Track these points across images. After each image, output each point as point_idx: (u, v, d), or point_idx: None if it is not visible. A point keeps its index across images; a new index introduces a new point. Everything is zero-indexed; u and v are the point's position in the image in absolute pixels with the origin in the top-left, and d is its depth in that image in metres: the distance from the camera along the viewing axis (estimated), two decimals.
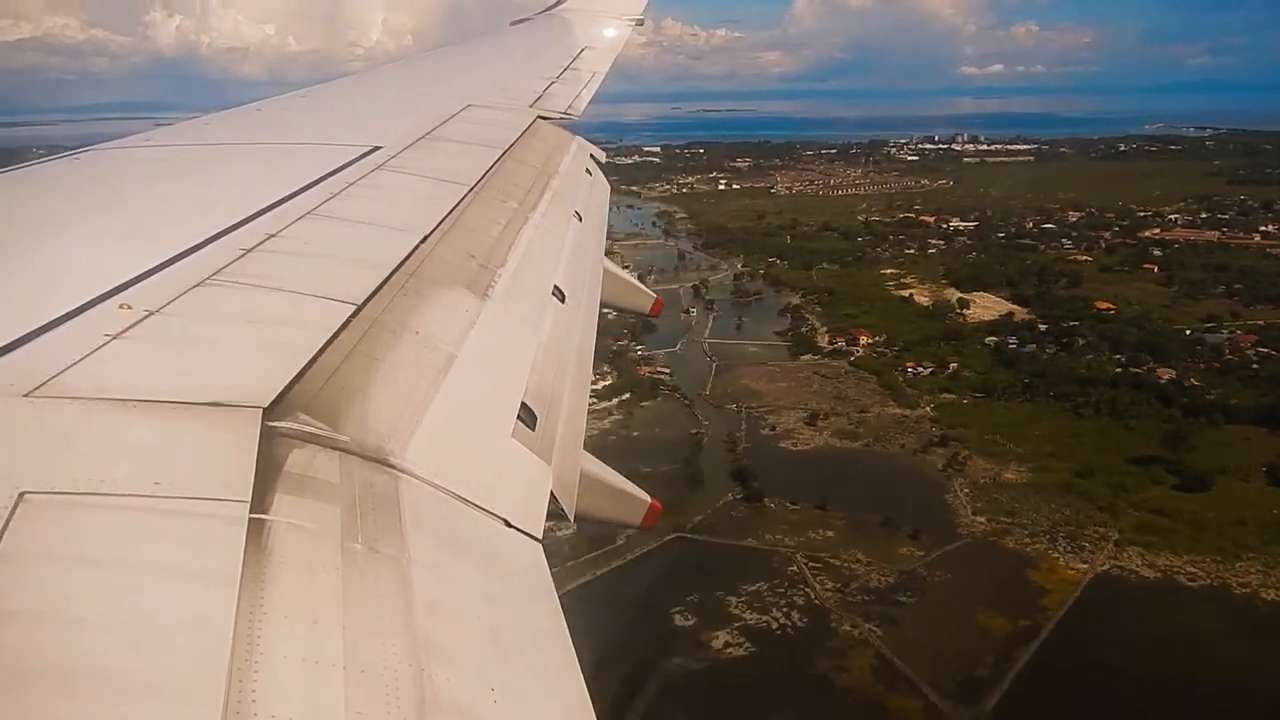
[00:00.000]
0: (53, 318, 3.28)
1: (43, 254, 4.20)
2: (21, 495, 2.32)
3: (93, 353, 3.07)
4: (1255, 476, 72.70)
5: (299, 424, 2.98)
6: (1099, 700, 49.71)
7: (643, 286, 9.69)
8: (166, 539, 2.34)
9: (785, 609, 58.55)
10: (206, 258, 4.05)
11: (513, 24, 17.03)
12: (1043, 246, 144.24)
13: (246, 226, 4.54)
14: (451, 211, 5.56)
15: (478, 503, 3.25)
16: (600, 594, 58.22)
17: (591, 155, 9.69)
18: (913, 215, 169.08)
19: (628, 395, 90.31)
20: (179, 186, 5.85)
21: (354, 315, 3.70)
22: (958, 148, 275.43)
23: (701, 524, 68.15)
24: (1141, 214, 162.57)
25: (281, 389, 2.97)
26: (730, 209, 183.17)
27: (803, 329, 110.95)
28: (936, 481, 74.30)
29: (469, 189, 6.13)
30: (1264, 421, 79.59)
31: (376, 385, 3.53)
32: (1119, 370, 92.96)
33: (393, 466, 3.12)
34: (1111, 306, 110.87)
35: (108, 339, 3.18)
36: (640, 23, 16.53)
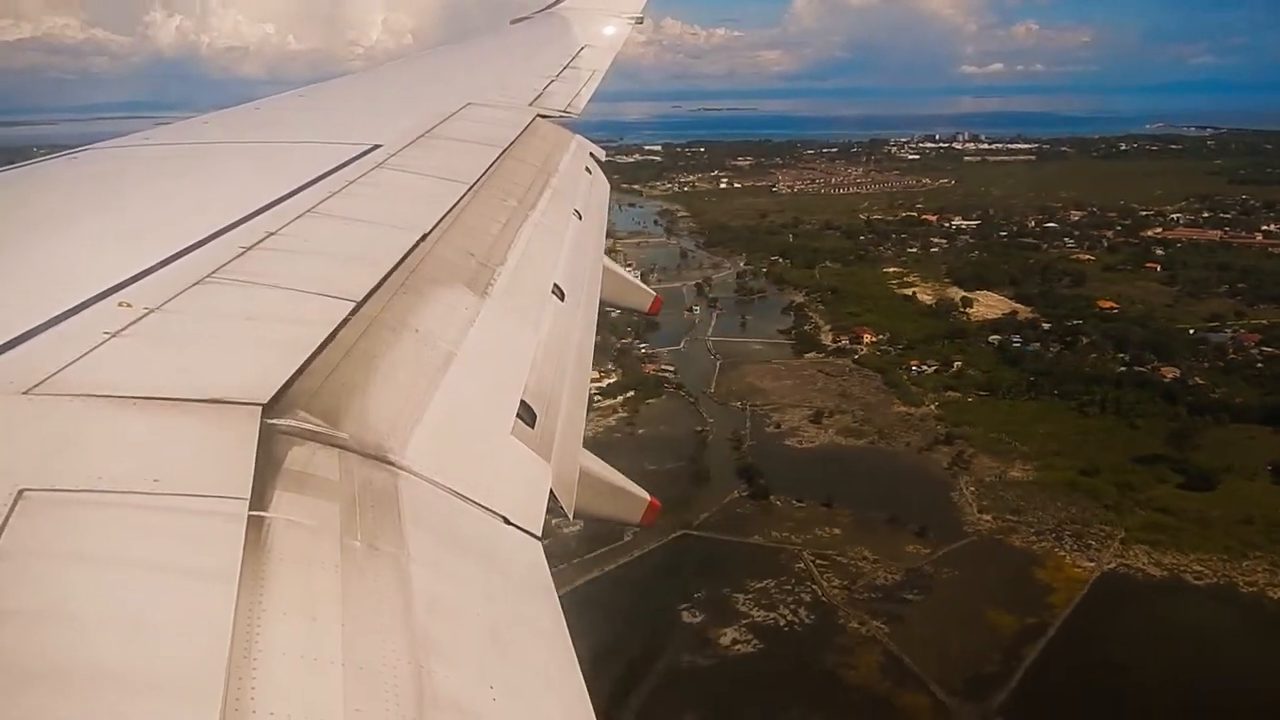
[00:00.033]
0: (52, 315, 3.27)
1: (42, 252, 4.20)
2: (20, 493, 2.31)
3: (92, 350, 3.07)
4: (1261, 475, 72.79)
5: (298, 421, 2.97)
6: (1106, 698, 49.79)
7: (642, 285, 9.71)
8: (165, 536, 2.34)
9: (793, 606, 58.65)
10: (206, 256, 4.05)
11: (512, 22, 17.02)
12: (1045, 245, 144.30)
13: (246, 224, 4.54)
14: (451, 210, 5.57)
15: (477, 500, 3.24)
16: (608, 590, 58.35)
17: (591, 154, 9.66)
18: (915, 214, 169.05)
19: (632, 393, 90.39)
20: (178, 185, 5.87)
21: (353, 312, 3.71)
22: (958, 146, 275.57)
23: (708, 521, 68.30)
24: (1143, 213, 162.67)
25: (280, 386, 2.97)
26: (732, 207, 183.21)
27: (806, 327, 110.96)
28: (942, 479, 74.36)
29: (469, 187, 6.13)
30: (1269, 421, 79.65)
31: (376, 383, 3.53)
32: (1123, 369, 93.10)
33: (392, 464, 3.12)
34: (1115, 305, 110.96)
35: (107, 337, 3.18)
36: (640, 21, 16.52)
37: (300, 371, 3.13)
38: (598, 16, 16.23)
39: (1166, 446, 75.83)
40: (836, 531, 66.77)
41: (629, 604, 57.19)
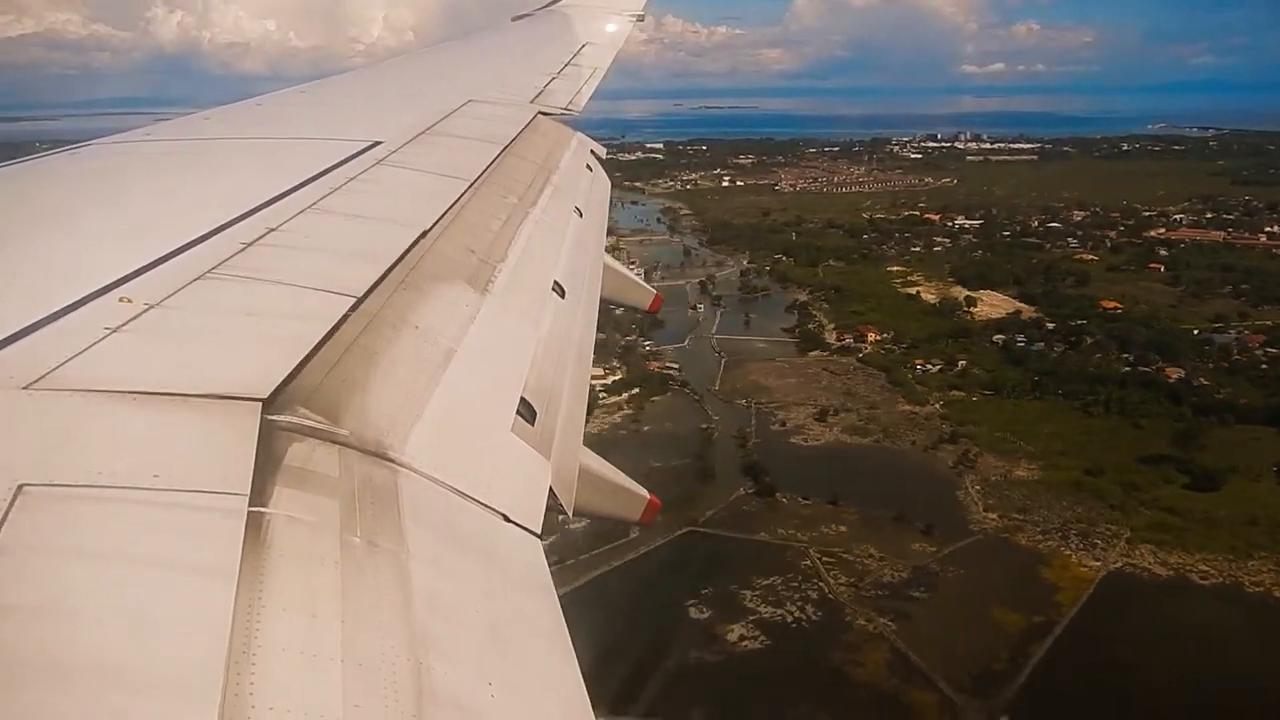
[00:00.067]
0: (52, 311, 3.27)
1: (43, 247, 4.20)
2: (20, 487, 2.31)
3: (92, 346, 3.07)
4: (1266, 476, 72.89)
5: (298, 417, 2.97)
6: (1113, 697, 49.86)
7: (643, 282, 9.72)
8: (165, 532, 2.34)
9: (799, 603, 58.76)
10: (206, 251, 4.05)
11: (513, 20, 16.97)
12: (1048, 245, 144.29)
13: (246, 220, 4.53)
14: (452, 206, 5.56)
15: (477, 497, 3.24)
16: (616, 587, 58.49)
17: (592, 151, 9.64)
18: (917, 213, 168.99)
19: (637, 390, 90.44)
20: (179, 181, 5.86)
21: (354, 308, 3.71)
22: (960, 146, 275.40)
23: (714, 518, 68.39)
24: (1146, 214, 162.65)
25: (280, 382, 2.97)
26: (734, 205, 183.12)
27: (810, 325, 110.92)
28: (947, 478, 74.44)
29: (469, 184, 6.13)
30: (1273, 421, 79.73)
31: (376, 379, 3.54)
32: (1127, 369, 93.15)
33: (392, 460, 3.12)
34: (1119, 306, 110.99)
35: (107, 332, 3.17)
36: (641, 19, 16.53)
37: (300, 367, 3.13)
38: (599, 14, 16.23)
39: (1172, 447, 75.91)
40: (843, 529, 66.87)
41: (636, 600, 57.35)
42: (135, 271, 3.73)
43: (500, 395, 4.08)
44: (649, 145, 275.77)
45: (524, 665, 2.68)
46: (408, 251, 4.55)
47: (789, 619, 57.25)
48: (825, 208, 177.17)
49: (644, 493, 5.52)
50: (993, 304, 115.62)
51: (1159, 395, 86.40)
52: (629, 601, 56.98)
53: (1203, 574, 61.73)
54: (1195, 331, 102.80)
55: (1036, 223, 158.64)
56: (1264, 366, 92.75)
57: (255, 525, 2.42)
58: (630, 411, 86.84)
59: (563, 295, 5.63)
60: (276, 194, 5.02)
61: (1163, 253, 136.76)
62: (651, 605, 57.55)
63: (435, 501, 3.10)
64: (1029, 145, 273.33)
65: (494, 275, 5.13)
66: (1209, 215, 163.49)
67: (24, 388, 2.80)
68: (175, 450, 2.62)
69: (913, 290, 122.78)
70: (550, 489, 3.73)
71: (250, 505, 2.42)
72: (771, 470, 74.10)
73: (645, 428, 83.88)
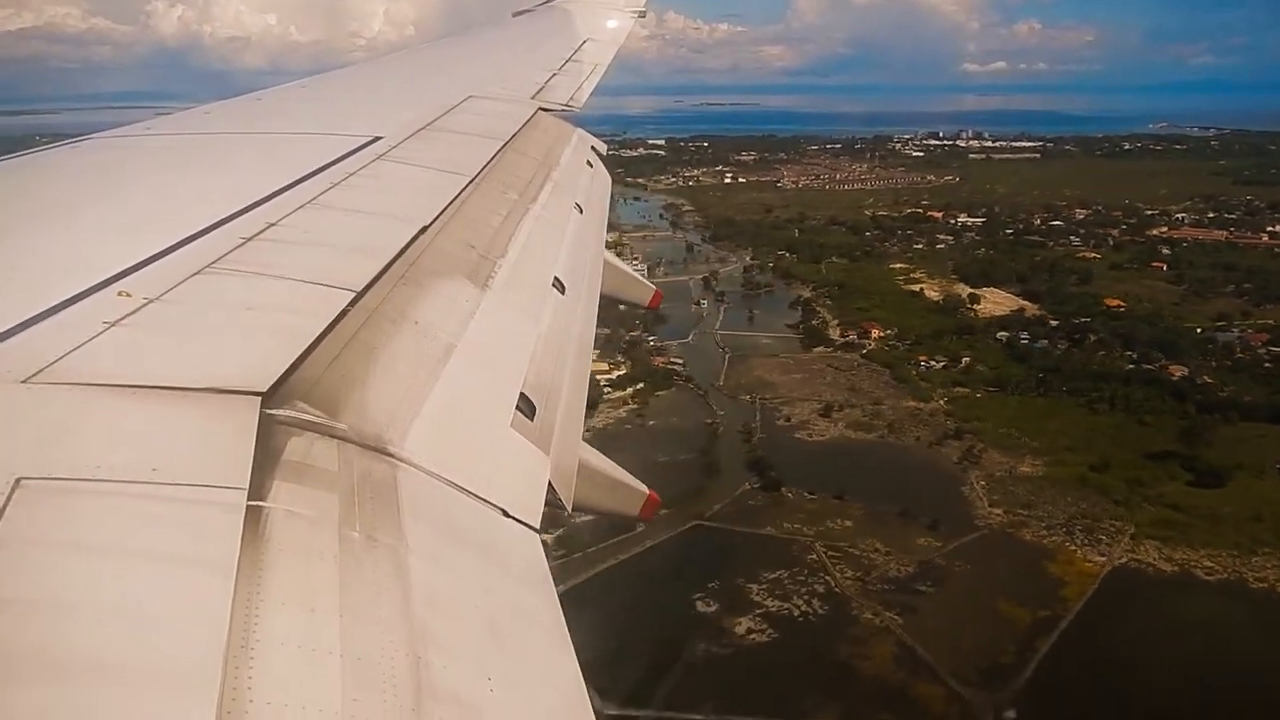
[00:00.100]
0: (51, 305, 3.27)
1: (43, 241, 4.20)
2: (18, 481, 2.30)
3: (91, 339, 3.06)
4: (1270, 473, 73.03)
5: (297, 412, 2.97)
6: (1119, 691, 50.11)
7: (642, 279, 9.72)
8: (164, 526, 2.33)
9: (806, 597, 58.95)
10: (206, 246, 4.05)
11: (514, 15, 17.05)
12: (1051, 243, 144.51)
13: (246, 215, 4.53)
14: (452, 202, 5.57)
15: (476, 492, 3.24)
16: (624, 580, 58.76)
17: (593, 147, 9.66)
18: (920, 210, 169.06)
19: (642, 385, 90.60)
20: (179, 175, 5.87)
21: (353, 303, 3.71)
22: (963, 144, 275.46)
23: (720, 512, 68.59)
24: (1149, 212, 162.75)
25: (280, 376, 2.97)
26: (737, 202, 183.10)
27: (814, 322, 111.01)
28: (952, 474, 74.62)
29: (470, 180, 6.14)
30: (1277, 419, 79.79)
31: (375, 374, 3.53)
32: (1131, 367, 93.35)
33: (391, 455, 3.12)
34: (1122, 304, 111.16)
35: (106, 326, 3.17)
36: (642, 15, 16.65)
37: (300, 361, 3.13)
38: (600, 10, 16.31)
39: (1176, 443, 76.08)
40: (848, 524, 67.06)
41: (645, 593, 57.55)
42: (134, 265, 3.72)
43: (500, 390, 4.09)
44: (651, 141, 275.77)
45: (523, 660, 2.68)
46: (408, 247, 4.55)
47: (796, 613, 57.43)
48: (828, 205, 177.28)
49: (643, 488, 5.50)
50: (996, 301, 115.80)
51: (1163, 393, 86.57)
52: (637, 595, 57.24)
53: (1207, 570, 61.97)
54: (1198, 330, 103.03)
55: (1039, 221, 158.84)
56: (1267, 365, 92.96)
57: (254, 519, 2.41)
58: (635, 406, 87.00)
59: (563, 291, 5.64)
60: (277, 189, 5.02)
61: (1165, 251, 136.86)
62: (659, 599, 57.70)
63: (434, 496, 3.10)
64: (1031, 143, 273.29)
65: (494, 271, 5.14)
66: (1211, 214, 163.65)
67: (22, 381, 2.78)
68: (174, 444, 2.61)
69: (916, 287, 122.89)
70: (549, 484, 3.75)
71: (249, 499, 2.41)
72: (777, 465, 74.25)
73: (650, 422, 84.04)
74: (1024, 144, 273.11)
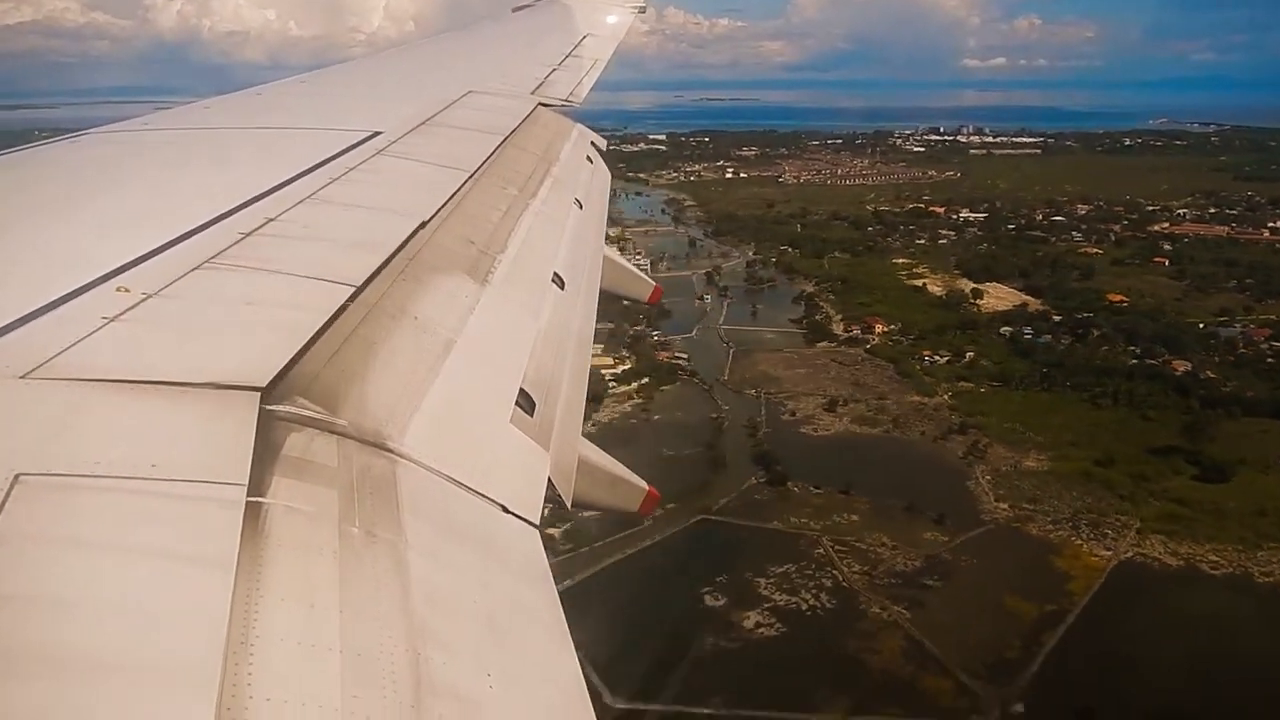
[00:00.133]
0: (50, 300, 3.26)
1: (42, 237, 4.20)
2: (17, 477, 2.30)
3: (90, 335, 3.05)
4: (1274, 468, 72.99)
5: (297, 407, 2.97)
6: (1126, 684, 50.22)
7: (642, 274, 9.72)
8: (163, 522, 2.33)
9: (814, 590, 59.10)
10: (205, 241, 4.04)
11: (514, 10, 17.12)
12: (1053, 238, 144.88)
13: (246, 210, 4.52)
14: (452, 197, 5.55)
15: (475, 488, 3.24)
16: (632, 574, 58.93)
17: (592, 143, 9.67)
18: (922, 206, 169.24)
19: (647, 379, 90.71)
20: (179, 170, 5.86)
21: (353, 298, 3.70)
22: (963, 140, 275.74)
23: (726, 507, 68.71)
24: (1150, 208, 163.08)
25: (279, 371, 2.96)
26: (739, 197, 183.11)
27: (817, 316, 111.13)
28: (957, 468, 74.76)
29: (469, 175, 6.13)
30: None
31: (375, 370, 3.54)
32: (1134, 362, 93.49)
33: (391, 451, 3.12)
34: (1124, 299, 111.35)
35: (105, 321, 3.16)
36: (642, 10, 16.74)
37: (299, 357, 3.12)
38: (600, 5, 16.36)
39: (1180, 438, 76.18)
40: (855, 518, 67.21)
41: (653, 587, 57.71)
42: (133, 261, 3.71)
43: (499, 386, 4.09)
44: (652, 137, 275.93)
45: (522, 655, 2.68)
46: (407, 242, 4.55)
47: (804, 606, 57.59)
48: (829, 200, 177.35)
49: (642, 484, 5.50)
50: (999, 296, 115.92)
51: (1166, 388, 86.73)
52: (646, 589, 57.41)
53: (1213, 564, 62.18)
54: (1201, 325, 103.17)
55: (1041, 216, 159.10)
56: (1270, 360, 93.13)
57: (253, 515, 2.41)
58: (640, 401, 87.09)
59: (562, 286, 5.65)
60: (276, 184, 5.01)
61: (1167, 247, 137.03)
62: (668, 592, 57.84)
63: (434, 492, 3.10)
64: (1031, 139, 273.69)
65: (493, 266, 5.13)
66: (1212, 210, 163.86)
67: (21, 377, 2.77)
68: (173, 440, 2.60)
69: (919, 282, 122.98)
70: (549, 480, 3.76)
71: (248, 495, 2.41)
72: (782, 459, 74.36)
73: (655, 417, 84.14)
74: (1025, 139, 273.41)
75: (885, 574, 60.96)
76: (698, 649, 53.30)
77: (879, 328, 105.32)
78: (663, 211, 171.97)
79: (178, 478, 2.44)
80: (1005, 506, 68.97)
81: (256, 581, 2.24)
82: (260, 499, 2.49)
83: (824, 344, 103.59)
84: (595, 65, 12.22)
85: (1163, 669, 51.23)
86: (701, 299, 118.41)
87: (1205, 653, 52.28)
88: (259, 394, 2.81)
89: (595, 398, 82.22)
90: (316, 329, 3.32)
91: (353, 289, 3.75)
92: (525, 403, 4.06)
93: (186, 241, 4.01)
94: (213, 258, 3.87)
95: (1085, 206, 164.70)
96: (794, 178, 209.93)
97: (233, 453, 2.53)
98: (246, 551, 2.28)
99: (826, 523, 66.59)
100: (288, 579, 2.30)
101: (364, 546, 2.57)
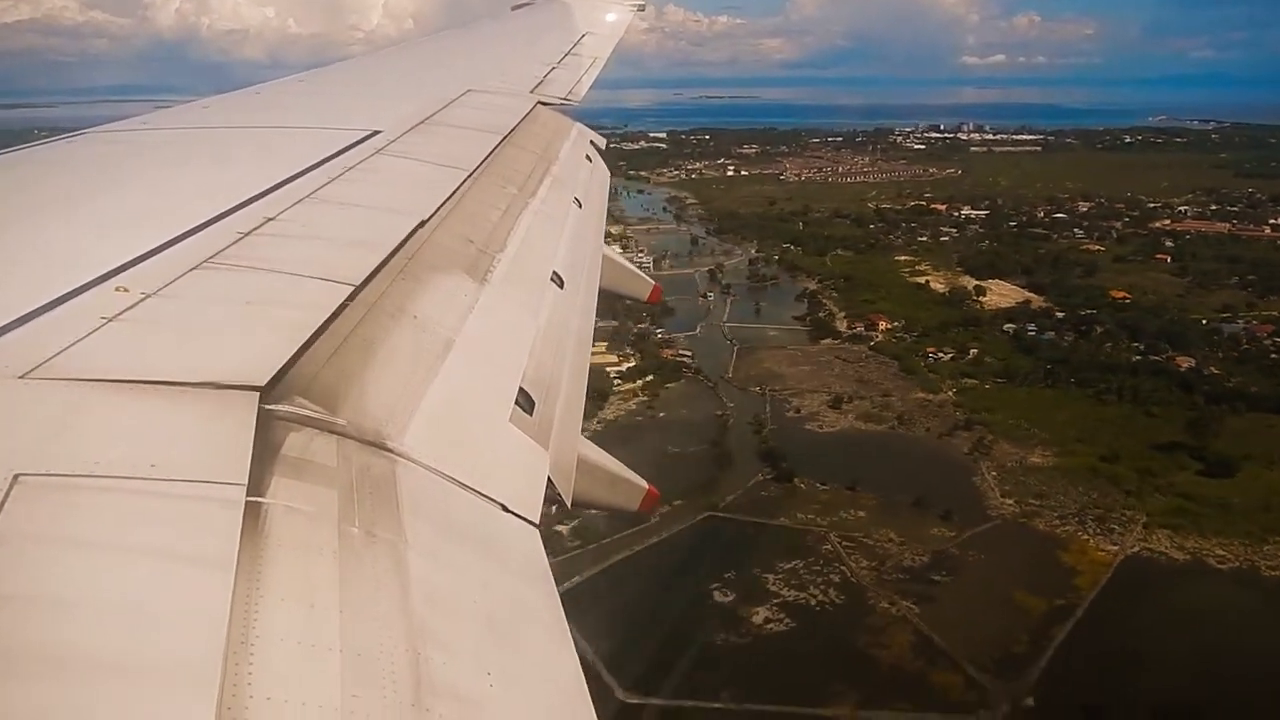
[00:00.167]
0: (49, 300, 3.25)
1: (40, 236, 4.19)
2: (16, 477, 2.29)
3: (89, 335, 3.05)
4: (1279, 464, 73.44)
5: (296, 407, 2.97)
6: (1135, 678, 50.39)
7: (641, 273, 9.73)
8: (162, 522, 2.32)
9: (822, 586, 59.30)
10: (204, 241, 4.04)
11: (513, 9, 17.15)
12: (1055, 235, 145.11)
13: (245, 210, 4.52)
14: (451, 196, 5.53)
15: (475, 487, 3.24)
16: (640, 570, 59.08)
17: (591, 142, 9.68)
18: (923, 203, 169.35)
19: (651, 377, 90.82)
20: (177, 170, 5.86)
21: (351, 297, 3.69)
22: (964, 137, 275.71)
23: (733, 503, 68.87)
24: (1151, 205, 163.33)
25: (278, 370, 2.96)
26: (740, 195, 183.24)
27: (821, 314, 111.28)
28: (963, 464, 74.93)
29: (468, 174, 6.11)
30: None
31: (374, 369, 3.53)
32: (1138, 358, 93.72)
33: (390, 450, 3.12)
34: (1127, 295, 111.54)
35: (104, 321, 3.15)
36: (641, 8, 16.75)
37: (298, 356, 3.11)
38: (599, 3, 16.36)
39: (1185, 434, 76.35)
40: (862, 514, 67.37)
41: (662, 583, 57.92)
42: (132, 260, 3.70)
43: (499, 385, 4.09)
44: (652, 134, 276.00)
45: (522, 655, 2.68)
46: (406, 241, 4.54)
47: (813, 602, 57.78)
48: (831, 197, 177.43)
49: (642, 483, 5.51)
50: (1002, 293, 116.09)
51: (1170, 384, 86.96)
52: (655, 585, 57.62)
53: (1219, 558, 62.40)
54: (1204, 321, 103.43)
55: (1042, 213, 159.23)
56: (1273, 356, 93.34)
57: (253, 515, 2.41)
58: (645, 399, 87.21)
59: (561, 286, 5.65)
60: (274, 183, 5.01)
61: (1168, 244, 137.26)
62: (676, 588, 58.01)
63: (433, 492, 3.10)
64: (1032, 136, 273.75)
65: (493, 265, 5.14)
66: (1213, 207, 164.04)
67: (20, 377, 2.77)
68: (172, 440, 2.60)
69: (921, 279, 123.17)
70: (549, 479, 3.76)
71: (248, 495, 2.41)
72: (788, 456, 74.50)
73: (661, 414, 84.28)
74: (1025, 137, 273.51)
75: (893, 569, 61.16)
76: (707, 644, 53.42)
77: (882, 325, 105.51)
78: (664, 209, 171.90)
79: (177, 477, 2.43)
80: (1011, 502, 69.16)
81: (256, 581, 2.24)
82: (260, 499, 2.49)
83: (828, 341, 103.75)
84: (594, 63, 12.22)
85: (1171, 663, 51.40)
86: (705, 296, 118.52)
87: (1213, 647, 52.41)
88: (258, 393, 2.81)
89: (600, 395, 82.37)
90: (316, 328, 3.32)
91: (352, 288, 3.74)
92: (525, 402, 4.06)
93: (185, 241, 4.00)
94: (211, 257, 3.86)
95: (1086, 203, 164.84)
96: (795, 175, 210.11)
97: (232, 452, 2.53)
98: (246, 551, 2.27)
99: (834, 519, 66.76)
100: (287, 579, 2.30)
101: (364, 546, 2.57)
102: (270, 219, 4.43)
